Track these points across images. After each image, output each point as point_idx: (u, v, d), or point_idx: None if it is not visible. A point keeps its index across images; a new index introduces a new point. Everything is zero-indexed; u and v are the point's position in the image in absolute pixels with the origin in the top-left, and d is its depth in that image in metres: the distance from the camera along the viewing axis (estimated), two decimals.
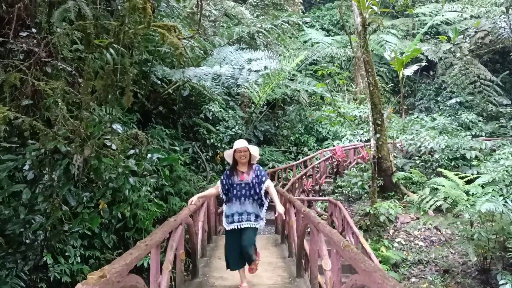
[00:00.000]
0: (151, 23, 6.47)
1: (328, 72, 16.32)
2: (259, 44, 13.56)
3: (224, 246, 4.87)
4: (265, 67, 10.33)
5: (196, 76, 8.92)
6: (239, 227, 4.60)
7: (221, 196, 4.81)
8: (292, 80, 16.02)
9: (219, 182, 4.81)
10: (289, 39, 17.15)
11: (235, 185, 4.65)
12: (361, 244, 7.15)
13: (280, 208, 4.48)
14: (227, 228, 4.68)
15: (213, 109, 10.66)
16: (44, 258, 5.01)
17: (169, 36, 7.59)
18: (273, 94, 13.99)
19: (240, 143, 4.69)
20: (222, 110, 11.14)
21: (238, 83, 9.76)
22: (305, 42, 21.93)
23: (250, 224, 4.60)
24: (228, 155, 4.83)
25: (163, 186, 7.20)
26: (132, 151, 6.56)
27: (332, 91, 18.66)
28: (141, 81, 8.81)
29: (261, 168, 4.83)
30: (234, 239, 4.67)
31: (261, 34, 12.89)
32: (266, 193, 4.70)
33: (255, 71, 9.83)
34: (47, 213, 5.13)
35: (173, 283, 5.06)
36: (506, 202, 7.80)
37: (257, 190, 4.63)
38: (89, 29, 6.07)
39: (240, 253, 4.65)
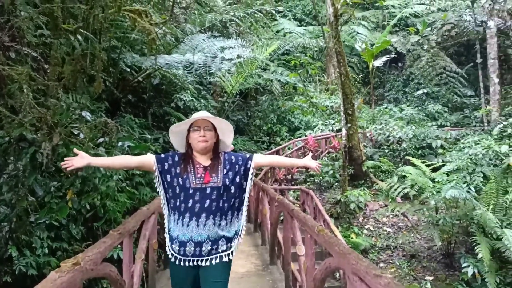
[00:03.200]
0: (121, 7, 6.30)
1: (301, 62, 16.42)
2: (231, 33, 13.45)
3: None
4: (238, 56, 10.23)
5: (167, 64, 8.75)
6: (196, 263, 2.62)
7: (158, 192, 2.77)
8: (265, 69, 16.00)
9: (154, 161, 2.70)
10: (262, 29, 17.10)
11: (190, 191, 2.60)
12: (332, 232, 7.28)
13: (311, 163, 2.86)
14: (172, 259, 2.67)
15: (184, 98, 10.52)
16: (9, 251, 4.84)
17: (141, 21, 7.42)
18: (246, 84, 13.94)
19: (200, 113, 2.79)
20: (194, 99, 11.01)
21: (210, 71, 9.66)
22: (277, 31, 21.92)
23: (217, 258, 2.63)
24: (177, 134, 2.83)
25: (133, 176, 7.06)
26: (101, 139, 6.40)
27: (305, 81, 18.82)
28: (110, 69, 8.58)
29: (236, 152, 2.97)
30: (184, 281, 2.70)
31: (233, 22, 12.78)
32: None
33: (228, 59, 9.72)
34: (12, 203, 4.94)
35: (145, 273, 5.00)
36: (469, 188, 8.10)
37: (238, 193, 2.73)
38: (56, 13, 5.84)
39: None
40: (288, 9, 25.23)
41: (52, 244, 5.21)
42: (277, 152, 13.14)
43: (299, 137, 16.23)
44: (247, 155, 2.85)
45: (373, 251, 8.72)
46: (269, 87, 16.30)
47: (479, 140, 10.20)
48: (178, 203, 2.66)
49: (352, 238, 8.80)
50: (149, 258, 4.89)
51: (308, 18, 25.84)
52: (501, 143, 9.73)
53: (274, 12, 15.57)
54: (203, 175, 2.67)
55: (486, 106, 16.50)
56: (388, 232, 9.47)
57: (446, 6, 22.39)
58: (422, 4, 23.54)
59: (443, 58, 21.51)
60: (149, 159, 2.72)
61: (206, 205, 2.61)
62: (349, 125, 11.82)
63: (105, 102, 8.25)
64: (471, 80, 21.27)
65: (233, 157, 2.82)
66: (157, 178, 2.72)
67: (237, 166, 2.77)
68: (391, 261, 8.40)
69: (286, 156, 12.55)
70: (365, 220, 9.88)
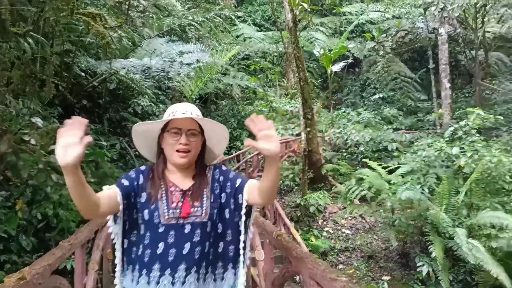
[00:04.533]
0: (74, 10, 6.11)
1: (261, 67, 16.55)
2: (190, 37, 13.36)
3: None
4: (197, 61, 10.19)
5: (123, 68, 8.57)
6: None
7: (112, 239, 1.84)
8: (224, 74, 15.98)
9: (117, 192, 1.77)
10: (222, 33, 17.11)
11: (160, 229, 1.76)
12: (293, 235, 7.34)
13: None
14: None
15: (142, 103, 10.32)
16: None
17: (95, 25, 7.22)
18: (206, 88, 13.88)
19: (183, 107, 1.92)
20: (152, 104, 10.83)
21: (169, 76, 9.55)
22: (237, 36, 21.99)
23: None
24: (142, 136, 1.95)
25: (88, 183, 6.84)
26: (53, 146, 6.16)
27: (265, 86, 18.94)
28: (63, 73, 8.30)
29: (223, 167, 2.04)
30: None
31: (192, 27, 12.70)
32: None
33: (186, 64, 9.65)
34: None
35: (99, 284, 4.84)
36: (423, 190, 8.40)
37: (232, 234, 1.90)
38: (4, 15, 5.60)
39: None
40: (247, 15, 25.39)
41: (0, 257, 4.96)
42: (238, 157, 13.14)
43: None
44: (238, 180, 1.89)
45: (332, 253, 8.86)
46: (229, 91, 16.32)
47: (431, 143, 10.60)
48: (141, 251, 1.75)
49: (312, 241, 8.91)
50: (103, 268, 4.76)
51: (267, 24, 26.10)
52: (452, 145, 10.14)
53: (233, 17, 15.60)
54: (180, 203, 1.79)
55: (438, 110, 17.19)
56: (347, 234, 9.66)
57: (400, 14, 23.24)
58: (377, 11, 24.31)
59: (397, 64, 22.29)
60: (114, 194, 1.74)
61: (185, 252, 1.73)
62: (308, 129, 11.99)
63: (58, 108, 7.97)
64: (424, 84, 22.15)
65: (223, 177, 1.93)
66: (118, 219, 1.79)
67: (227, 193, 1.89)
68: (349, 263, 8.57)
69: (247, 161, 12.56)
70: (325, 223, 10.04)
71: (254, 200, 1.83)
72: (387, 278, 8.07)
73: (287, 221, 7.99)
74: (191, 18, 11.58)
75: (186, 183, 1.87)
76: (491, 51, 20.37)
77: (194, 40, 13.32)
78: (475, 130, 9.97)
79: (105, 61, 8.58)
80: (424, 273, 7.53)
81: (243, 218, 1.88)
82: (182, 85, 12.52)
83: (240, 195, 1.86)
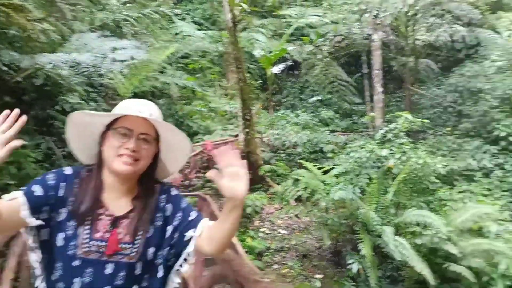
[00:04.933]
0: None
1: (200, 66, 16.38)
2: (126, 33, 12.89)
3: None
4: (132, 57, 9.84)
5: (51, 63, 8.06)
6: None
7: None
8: (162, 72, 15.64)
9: (20, 204, 1.33)
10: (160, 30, 16.72)
11: (75, 262, 1.35)
12: None
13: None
14: None
15: (71, 101, 9.77)
16: None
17: (16, 17, 6.73)
18: (142, 87, 13.48)
19: (141, 104, 1.48)
20: (82, 101, 10.29)
21: (100, 72, 9.13)
22: (176, 34, 21.61)
23: None
24: (80, 131, 1.50)
25: (7, 186, 6.36)
26: None
27: (204, 86, 18.77)
28: None
29: (173, 191, 1.56)
30: None
31: (128, 22, 12.27)
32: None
33: (120, 60, 9.29)
34: None
35: None
36: (354, 190, 8.70)
37: (163, 275, 1.48)
38: None
39: None
40: (186, 12, 25.01)
41: None
42: None
43: (198, 142, 16.13)
44: (193, 213, 1.51)
45: (267, 253, 8.92)
46: (167, 90, 15.97)
47: (363, 145, 11.01)
48: (55, 279, 1.39)
49: (247, 242, 8.91)
50: (21, 276, 4.42)
51: (207, 23, 25.91)
52: (382, 147, 10.59)
53: (171, 14, 15.29)
54: (107, 235, 1.39)
55: (371, 113, 17.94)
56: (283, 234, 9.79)
57: (338, 19, 23.99)
58: (316, 15, 24.94)
59: (335, 68, 23.02)
60: (16, 207, 1.32)
61: None
62: (247, 130, 12.02)
63: None
64: (359, 88, 23.06)
65: (171, 205, 1.52)
66: (31, 231, 1.39)
67: (174, 226, 1.49)
68: (284, 262, 8.67)
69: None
70: (261, 224, 10.11)
71: (201, 247, 1.46)
72: (320, 276, 8.25)
73: None
74: (126, 13, 11.17)
75: (121, 206, 1.44)
76: (421, 58, 21.62)
77: (129, 36, 12.88)
78: (404, 133, 10.48)
79: (30, 55, 8.03)
80: (354, 271, 7.77)
81: (184, 257, 1.49)
82: (115, 82, 12.05)
83: (191, 231, 1.47)
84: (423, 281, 7.19)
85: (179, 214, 1.50)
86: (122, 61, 9.38)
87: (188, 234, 1.46)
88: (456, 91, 15.36)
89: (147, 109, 1.44)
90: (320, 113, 20.46)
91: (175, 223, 1.48)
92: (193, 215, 1.50)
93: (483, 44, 18.21)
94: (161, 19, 13.37)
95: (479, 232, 8.15)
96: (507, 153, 12.08)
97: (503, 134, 12.19)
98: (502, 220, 8.72)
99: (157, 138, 1.50)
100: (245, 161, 1.36)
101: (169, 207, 1.51)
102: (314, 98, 22.02)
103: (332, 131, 18.25)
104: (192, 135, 17.45)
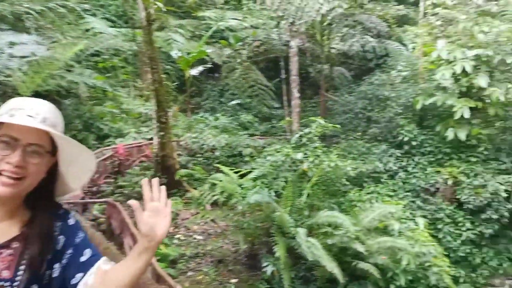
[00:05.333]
0: None
1: (111, 65, 15.52)
2: (28, 27, 11.80)
3: None
4: (33, 53, 9.01)
5: None
6: None
7: None
8: (69, 71, 14.53)
9: None
10: (68, 26, 15.53)
11: None
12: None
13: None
14: None
15: None
16: None
17: None
18: (45, 85, 12.37)
19: (32, 107, 1.13)
20: None
21: None
22: (87, 30, 20.30)
23: None
24: None
25: None
26: None
27: (116, 86, 17.85)
28: None
29: (70, 220, 1.27)
30: None
31: (31, 15, 11.24)
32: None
33: (19, 57, 8.47)
34: None
35: None
36: (270, 193, 8.74)
37: None
38: None
39: None
40: (96, 8, 23.62)
41: None
42: None
43: (109, 145, 15.24)
44: (87, 251, 1.23)
45: (182, 260, 8.63)
46: (75, 90, 14.90)
47: (280, 148, 11.16)
48: None
49: (161, 249, 8.53)
50: None
51: (121, 20, 24.73)
52: (297, 150, 10.81)
53: (78, 9, 14.33)
54: None
55: (288, 118, 18.36)
56: (198, 240, 9.55)
57: (257, 24, 24.30)
58: (236, 19, 25.04)
59: (255, 72, 23.20)
60: None
61: None
62: (162, 133, 11.61)
63: None
64: (278, 93, 23.52)
65: (64, 237, 1.23)
66: None
67: (62, 264, 1.21)
68: (199, 269, 8.44)
69: None
70: (176, 230, 9.78)
71: None
72: (235, 280, 8.15)
73: (135, 230, 7.46)
74: (27, 5, 10.21)
75: (4, 231, 1.14)
76: (336, 65, 22.63)
77: (33, 30, 11.82)
78: (317, 137, 10.78)
79: None
80: (268, 273, 7.80)
81: None
82: (13, 80, 10.95)
83: (80, 275, 1.18)
84: (334, 279, 7.40)
85: (70, 252, 1.21)
86: (22, 57, 8.57)
87: (75, 279, 1.17)
88: (366, 98, 16.24)
89: (41, 114, 1.13)
90: (239, 117, 20.50)
91: (64, 261, 1.20)
92: (86, 254, 1.21)
93: (391, 55, 19.59)
94: (68, 14, 12.47)
95: (384, 231, 8.61)
96: (409, 157, 13.01)
97: (406, 139, 13.11)
98: (404, 219, 9.33)
99: (53, 149, 1.19)
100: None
101: (61, 239, 1.22)
102: (234, 102, 22.04)
103: (251, 135, 18.36)
104: (102, 138, 16.43)
